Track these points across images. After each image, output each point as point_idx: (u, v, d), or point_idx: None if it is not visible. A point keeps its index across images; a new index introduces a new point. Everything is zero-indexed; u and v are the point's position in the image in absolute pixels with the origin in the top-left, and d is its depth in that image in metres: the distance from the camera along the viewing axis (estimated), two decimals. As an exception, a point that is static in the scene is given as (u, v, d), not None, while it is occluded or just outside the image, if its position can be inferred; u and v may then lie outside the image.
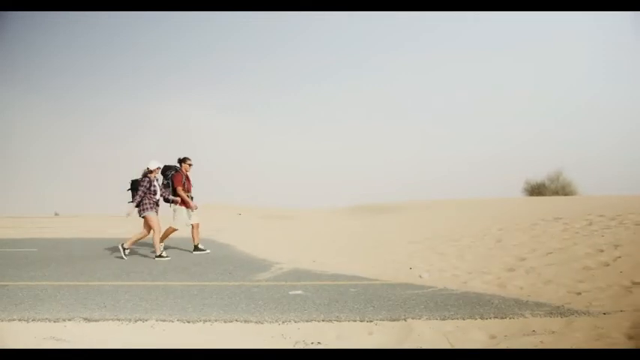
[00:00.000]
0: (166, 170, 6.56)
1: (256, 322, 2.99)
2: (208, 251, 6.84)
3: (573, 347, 2.50)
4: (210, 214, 20.70)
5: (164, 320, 3.05)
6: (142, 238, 6.32)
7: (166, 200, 6.44)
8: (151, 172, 6.21)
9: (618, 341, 2.55)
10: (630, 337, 2.61)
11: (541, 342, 2.57)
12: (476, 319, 2.97)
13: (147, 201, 6.13)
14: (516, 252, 5.33)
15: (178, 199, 6.43)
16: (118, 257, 6.38)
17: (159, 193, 6.27)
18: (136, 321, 3.04)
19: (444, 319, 2.97)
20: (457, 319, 2.98)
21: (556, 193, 22.56)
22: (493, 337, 2.70)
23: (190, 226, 6.68)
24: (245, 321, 3.02)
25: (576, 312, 3.07)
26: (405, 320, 2.97)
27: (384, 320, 2.98)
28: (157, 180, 6.32)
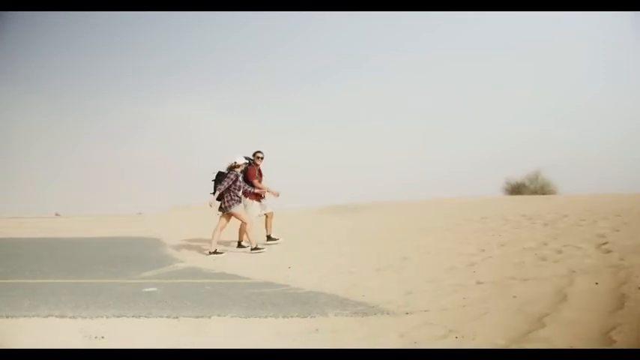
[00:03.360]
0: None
1: (71, 318, 3.11)
2: (280, 240, 6.89)
3: (341, 347, 2.58)
4: (189, 215, 20.89)
5: (-13, 316, 3.19)
6: (246, 230, 6.27)
7: (245, 194, 6.45)
8: (237, 166, 6.17)
9: (387, 340, 2.64)
10: (402, 336, 2.69)
11: (310, 340, 2.65)
12: (278, 317, 3.07)
13: (231, 196, 6.09)
14: (406, 252, 5.40)
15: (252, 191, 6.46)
16: (44, 255, 6.55)
17: (242, 188, 6.25)
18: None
19: (247, 317, 3.08)
20: (261, 317, 3.08)
21: (535, 192, 22.44)
22: (278, 334, 2.80)
23: (264, 216, 6.77)
24: (61, 316, 3.14)
25: (382, 312, 3.15)
26: (210, 317, 3.08)
27: (189, 317, 3.08)
28: (241, 175, 6.26)
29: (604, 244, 4.70)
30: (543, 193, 21.98)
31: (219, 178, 6.16)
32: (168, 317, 3.08)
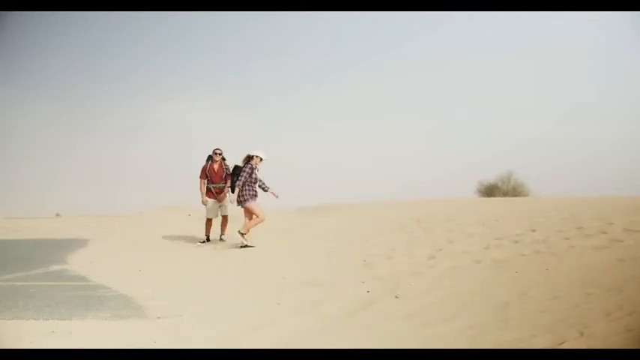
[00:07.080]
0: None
1: None
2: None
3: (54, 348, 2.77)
4: (171, 215, 21.22)
5: None
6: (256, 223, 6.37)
7: (264, 189, 6.55)
8: (251, 159, 6.29)
9: (97, 343, 2.81)
10: (154, 341, 2.86)
11: (43, 341, 2.84)
12: (39, 319, 3.28)
13: (247, 189, 6.23)
14: (282, 254, 5.57)
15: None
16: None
17: (259, 182, 6.39)
18: None
19: (11, 320, 3.29)
20: (25, 319, 3.29)
21: (506, 194, 22.20)
22: (19, 336, 2.99)
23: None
24: None
25: (138, 316, 3.35)
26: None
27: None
28: (257, 169, 6.38)
29: (440, 250, 4.79)
30: (515, 195, 21.69)
31: (236, 172, 6.33)
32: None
